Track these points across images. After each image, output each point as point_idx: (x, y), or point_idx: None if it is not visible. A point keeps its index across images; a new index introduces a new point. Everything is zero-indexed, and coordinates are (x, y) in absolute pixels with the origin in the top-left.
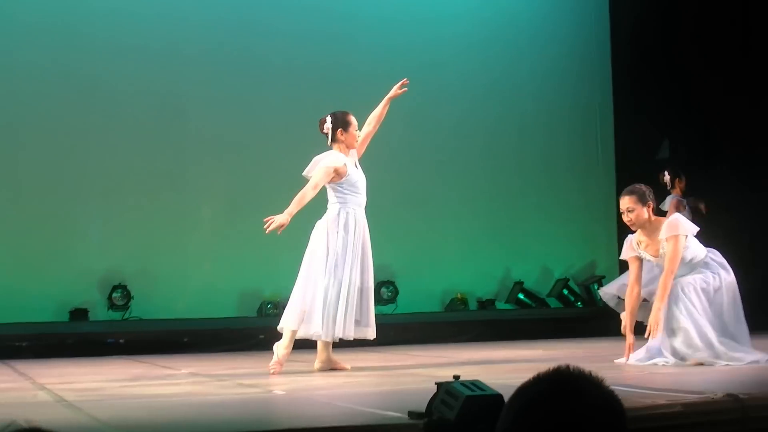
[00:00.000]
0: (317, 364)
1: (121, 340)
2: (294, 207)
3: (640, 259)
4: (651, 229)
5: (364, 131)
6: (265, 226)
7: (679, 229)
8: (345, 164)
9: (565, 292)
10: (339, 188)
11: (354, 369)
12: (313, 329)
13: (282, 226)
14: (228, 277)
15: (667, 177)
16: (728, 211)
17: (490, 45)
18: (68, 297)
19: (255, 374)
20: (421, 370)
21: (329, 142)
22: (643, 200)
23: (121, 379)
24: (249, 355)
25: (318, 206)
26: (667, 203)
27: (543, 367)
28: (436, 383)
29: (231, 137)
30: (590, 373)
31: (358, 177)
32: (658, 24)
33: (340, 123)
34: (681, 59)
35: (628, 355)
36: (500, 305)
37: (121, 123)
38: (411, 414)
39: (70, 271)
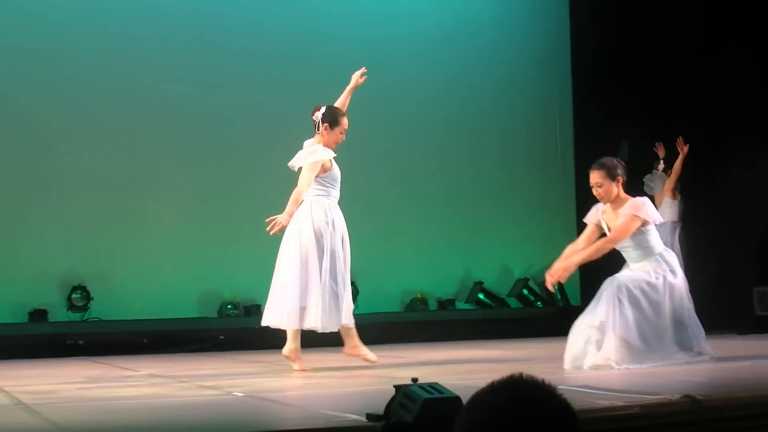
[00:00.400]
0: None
1: (81, 341)
2: (292, 207)
3: (599, 228)
4: (618, 204)
5: None
6: (267, 228)
7: (641, 211)
8: (332, 159)
9: (525, 291)
10: (323, 181)
11: (314, 370)
12: (313, 323)
13: (284, 227)
14: (188, 277)
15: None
16: (687, 209)
17: (447, 43)
18: (27, 298)
19: (215, 375)
20: (381, 371)
21: (316, 131)
22: (611, 175)
23: (80, 381)
24: (209, 356)
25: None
26: (658, 185)
27: (502, 367)
28: (394, 386)
29: (190, 138)
30: (543, 381)
31: (338, 172)
32: (617, 24)
33: (330, 118)
34: (640, 59)
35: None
36: (460, 305)
37: (80, 124)
38: (369, 416)
39: (30, 272)
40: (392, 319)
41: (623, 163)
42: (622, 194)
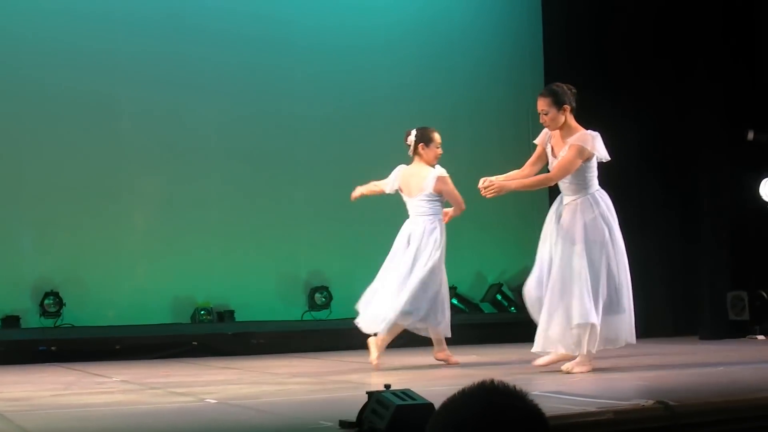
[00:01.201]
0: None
1: (53, 348)
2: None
3: (544, 149)
4: (567, 132)
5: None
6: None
7: (588, 143)
8: None
9: (499, 297)
10: (437, 199)
11: (286, 375)
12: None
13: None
14: (161, 283)
15: None
16: (660, 215)
17: (419, 46)
18: None
19: (187, 382)
20: (354, 377)
21: (410, 153)
22: (557, 103)
23: (53, 388)
24: (182, 362)
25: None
26: None
27: (476, 372)
28: (367, 392)
29: (163, 142)
30: (514, 387)
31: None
32: (591, 30)
33: (423, 138)
34: (613, 65)
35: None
36: None
37: (52, 128)
38: (342, 423)
39: (2, 278)
40: None
41: (573, 91)
42: (572, 122)
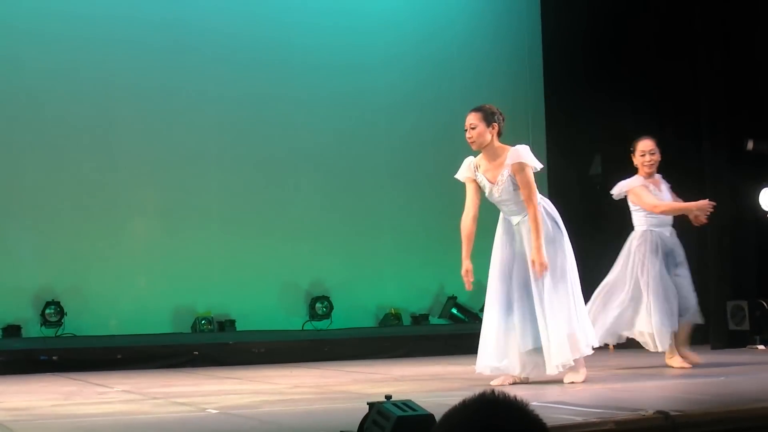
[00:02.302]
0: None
1: (54, 357)
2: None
3: (476, 182)
4: (492, 154)
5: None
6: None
7: (527, 158)
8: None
9: None
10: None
11: (287, 386)
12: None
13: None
14: (162, 293)
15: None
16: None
17: (418, 54)
18: (0, 313)
19: (188, 392)
20: (355, 387)
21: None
22: (487, 120)
23: (53, 398)
24: (183, 372)
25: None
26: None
27: (476, 383)
28: (368, 403)
29: (164, 152)
30: (515, 398)
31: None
32: (592, 39)
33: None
34: (611, 72)
35: (468, 282)
36: (434, 320)
37: (53, 137)
38: None
39: (3, 287)
40: (366, 334)
41: (504, 117)
42: (497, 143)
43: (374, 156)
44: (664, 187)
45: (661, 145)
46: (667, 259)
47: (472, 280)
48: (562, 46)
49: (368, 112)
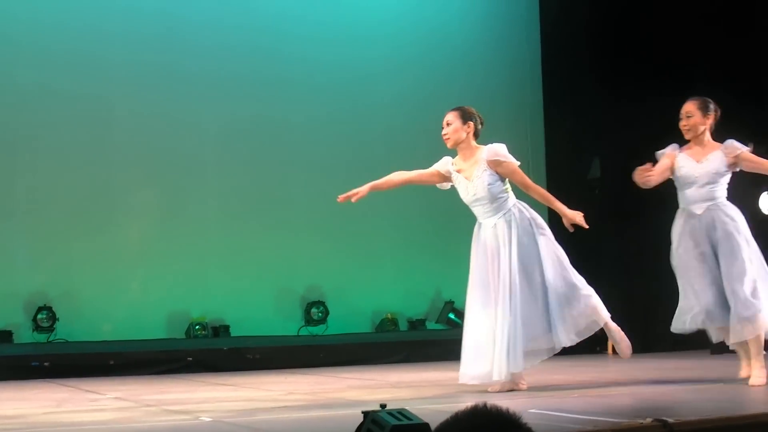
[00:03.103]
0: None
1: (46, 363)
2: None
3: (442, 175)
4: (468, 153)
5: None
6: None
7: (505, 154)
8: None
9: None
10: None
11: (282, 392)
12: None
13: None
14: (155, 298)
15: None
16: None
17: (415, 56)
18: None
19: (182, 399)
20: (350, 394)
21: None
22: (464, 118)
23: (45, 405)
24: (176, 378)
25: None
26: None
27: (473, 390)
28: (362, 412)
29: (158, 155)
30: (507, 411)
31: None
32: (589, 40)
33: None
34: (612, 74)
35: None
36: (431, 325)
37: (47, 140)
38: None
39: None
40: (362, 339)
41: (482, 120)
42: (473, 143)
43: (371, 160)
44: (716, 154)
45: (663, 145)
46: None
47: (353, 198)
48: (561, 48)
49: (365, 116)
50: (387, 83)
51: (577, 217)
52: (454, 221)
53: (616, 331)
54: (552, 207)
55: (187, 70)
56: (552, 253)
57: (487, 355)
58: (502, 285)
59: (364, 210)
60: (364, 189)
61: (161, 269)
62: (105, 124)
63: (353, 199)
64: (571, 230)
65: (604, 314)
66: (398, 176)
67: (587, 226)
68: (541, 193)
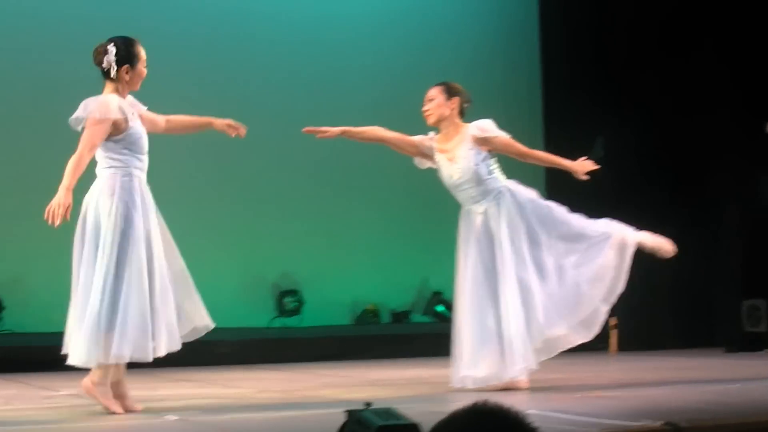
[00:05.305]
0: None
1: None
2: (71, 179)
3: (418, 150)
4: (451, 131)
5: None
6: (50, 221)
7: (488, 126)
8: (125, 113)
9: None
10: (115, 146)
11: (252, 390)
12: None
13: (68, 207)
14: None
15: None
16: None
17: (409, 46)
18: None
19: (143, 397)
20: (327, 392)
21: (106, 79)
22: (448, 93)
23: None
24: (136, 373)
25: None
26: None
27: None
28: (345, 411)
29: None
30: (510, 410)
31: (141, 132)
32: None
33: (129, 57)
34: (613, 56)
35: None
36: (416, 318)
37: None
38: None
39: None
40: (341, 333)
41: (468, 98)
42: (457, 120)
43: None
44: None
45: (671, 137)
46: None
47: (318, 134)
48: (561, 39)
49: (345, 97)
50: (374, 64)
51: (585, 165)
52: (444, 203)
53: (649, 241)
54: (557, 166)
55: (159, 59)
56: (553, 231)
57: (493, 354)
58: (508, 276)
59: (343, 188)
60: (334, 130)
61: None
62: (50, 102)
63: (318, 136)
64: (587, 179)
65: (630, 240)
66: (376, 131)
67: (598, 166)
68: (541, 156)
